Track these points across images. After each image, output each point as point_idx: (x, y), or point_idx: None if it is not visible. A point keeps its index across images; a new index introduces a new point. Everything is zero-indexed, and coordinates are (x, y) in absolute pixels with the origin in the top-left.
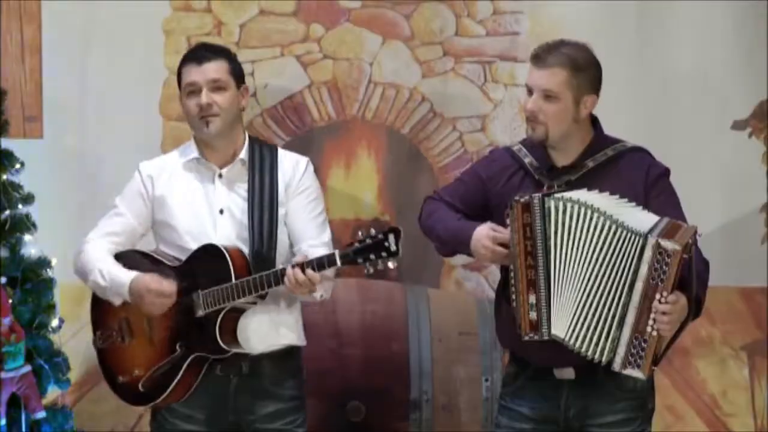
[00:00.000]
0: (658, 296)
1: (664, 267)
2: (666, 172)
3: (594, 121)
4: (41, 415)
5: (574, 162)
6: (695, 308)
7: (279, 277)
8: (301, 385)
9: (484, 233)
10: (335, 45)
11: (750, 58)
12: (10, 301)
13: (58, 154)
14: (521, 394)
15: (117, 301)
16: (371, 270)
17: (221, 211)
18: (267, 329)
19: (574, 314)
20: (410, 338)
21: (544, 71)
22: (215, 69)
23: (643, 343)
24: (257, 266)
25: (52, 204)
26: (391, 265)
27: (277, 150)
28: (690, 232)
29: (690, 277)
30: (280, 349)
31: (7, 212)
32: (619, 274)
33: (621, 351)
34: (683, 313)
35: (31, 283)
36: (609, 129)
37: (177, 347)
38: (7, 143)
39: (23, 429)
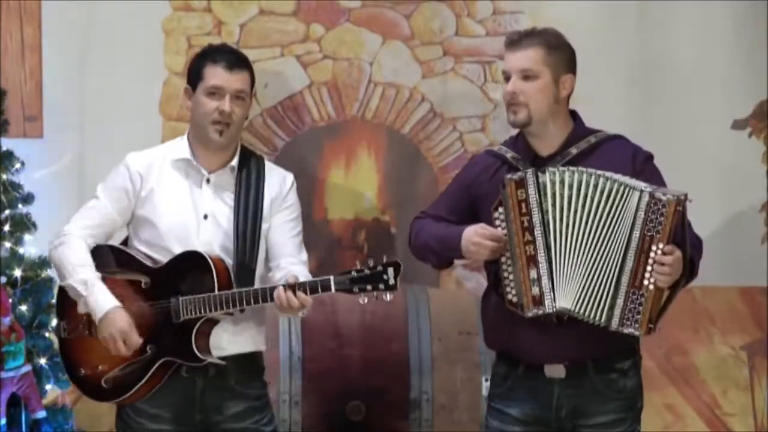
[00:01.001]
0: (654, 247)
1: (659, 218)
2: (651, 156)
3: (573, 114)
4: (41, 414)
5: (557, 150)
6: (689, 270)
7: (268, 295)
8: (265, 385)
9: (473, 231)
10: (335, 45)
11: (750, 58)
12: (10, 300)
13: (58, 154)
14: (511, 395)
15: (82, 310)
16: (365, 300)
17: (205, 216)
18: (239, 338)
19: (579, 283)
20: (410, 338)
21: (520, 53)
22: (242, 79)
23: (640, 298)
24: (239, 278)
25: (52, 204)
26: (387, 297)
27: (264, 162)
28: (680, 192)
29: (683, 235)
30: (245, 352)
31: (7, 212)
32: (617, 231)
33: (618, 307)
34: (680, 267)
35: (31, 283)
36: (609, 128)
37: (147, 348)
38: (7, 143)
39: (23, 429)
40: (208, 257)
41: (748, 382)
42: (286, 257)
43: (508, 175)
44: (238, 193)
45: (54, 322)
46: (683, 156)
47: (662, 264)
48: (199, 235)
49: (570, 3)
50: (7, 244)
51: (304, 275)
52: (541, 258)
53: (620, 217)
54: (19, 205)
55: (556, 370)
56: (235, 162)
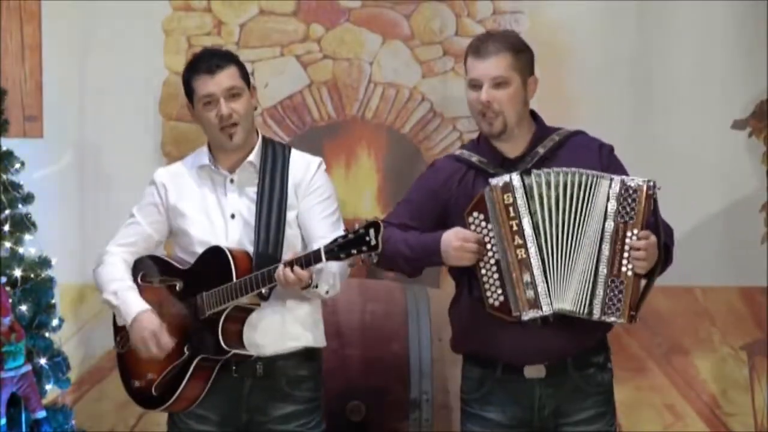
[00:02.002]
0: (629, 234)
1: (632, 203)
2: (612, 148)
3: (533, 113)
4: (41, 414)
5: (524, 151)
6: (664, 255)
7: (272, 275)
8: (318, 387)
9: (452, 235)
10: (335, 45)
11: (750, 58)
12: (10, 300)
13: (58, 154)
14: (490, 399)
15: (120, 322)
16: (354, 265)
17: (232, 216)
18: (278, 331)
19: (572, 281)
20: (410, 338)
21: (489, 60)
22: (229, 76)
23: (620, 285)
24: (261, 267)
25: (52, 204)
26: (372, 259)
27: (290, 151)
28: (649, 179)
29: (656, 222)
30: (296, 350)
31: (7, 212)
32: (594, 221)
33: (598, 296)
34: (655, 253)
35: (31, 283)
36: (608, 128)
37: (185, 350)
38: (7, 143)
39: (23, 428)
40: (225, 249)
41: (748, 382)
42: (319, 239)
43: (493, 181)
44: (260, 187)
45: (54, 322)
46: (683, 156)
47: (638, 249)
48: (228, 235)
49: (570, 3)
50: (7, 244)
51: None
52: (534, 261)
53: (594, 207)
54: (19, 205)
55: (536, 371)
56: (252, 157)
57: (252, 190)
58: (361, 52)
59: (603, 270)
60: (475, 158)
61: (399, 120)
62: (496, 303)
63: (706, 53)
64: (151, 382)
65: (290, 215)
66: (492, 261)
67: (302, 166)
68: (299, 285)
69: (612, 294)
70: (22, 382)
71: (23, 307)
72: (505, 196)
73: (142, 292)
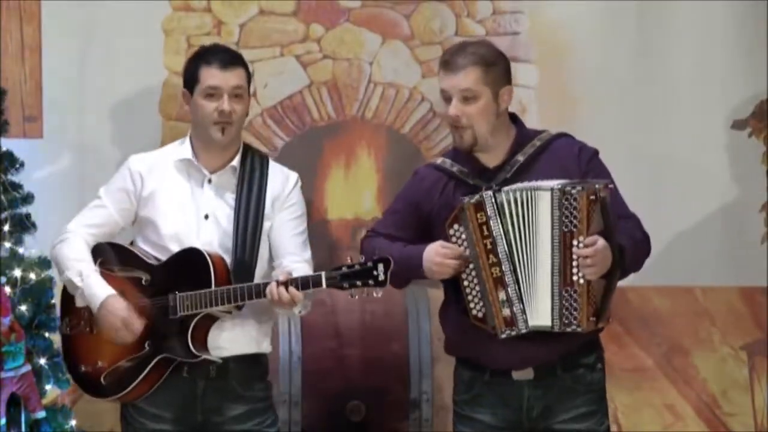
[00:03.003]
0: (575, 242)
1: (573, 212)
2: (596, 152)
3: (513, 117)
4: (41, 414)
5: (504, 160)
6: (619, 259)
7: (261, 291)
8: (268, 387)
9: (433, 251)
10: (335, 45)
11: (750, 58)
12: (10, 300)
13: (58, 154)
14: (479, 401)
15: (80, 304)
16: (355, 296)
17: (206, 216)
18: (237, 336)
19: (544, 298)
20: (410, 338)
21: (458, 74)
22: (238, 76)
23: (574, 294)
24: (238, 276)
25: (52, 204)
26: (376, 294)
27: (268, 161)
28: (597, 181)
29: (608, 224)
30: (248, 354)
31: (7, 212)
32: (547, 235)
33: (556, 308)
34: (606, 256)
35: (31, 283)
36: (608, 129)
37: (145, 345)
38: (7, 143)
39: (23, 428)
40: (206, 254)
41: (748, 382)
42: (289, 256)
43: (466, 198)
44: (239, 193)
45: (54, 322)
46: (683, 156)
47: (585, 257)
48: (199, 235)
49: (570, 3)
50: (7, 244)
51: (303, 273)
52: (509, 279)
53: (543, 220)
54: (19, 206)
55: (524, 374)
56: (236, 162)
57: (230, 196)
58: (361, 52)
59: (556, 281)
60: (455, 168)
61: (399, 120)
62: (479, 314)
63: (706, 53)
64: (100, 370)
65: (266, 225)
66: (473, 273)
67: (281, 179)
68: (289, 306)
69: (567, 304)
70: (21, 382)
71: (23, 307)
72: (479, 215)
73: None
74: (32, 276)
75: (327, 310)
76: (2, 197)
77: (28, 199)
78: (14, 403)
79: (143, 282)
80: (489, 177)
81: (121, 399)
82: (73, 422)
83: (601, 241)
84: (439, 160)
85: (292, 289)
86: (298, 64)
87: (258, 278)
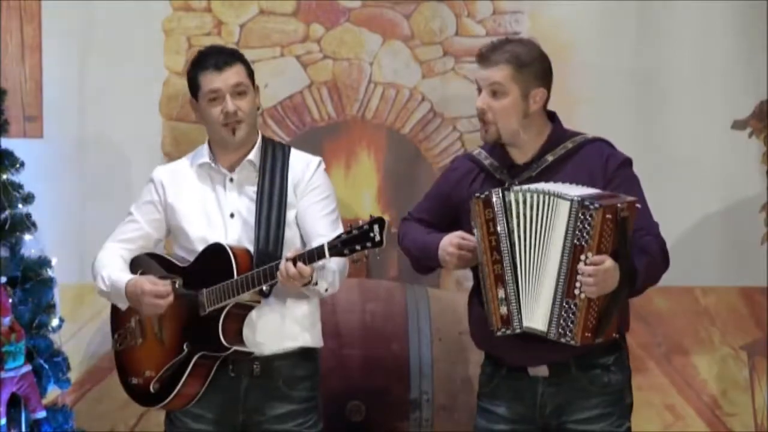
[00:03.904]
0: (583, 256)
1: (587, 227)
2: (626, 161)
3: (552, 116)
4: (41, 414)
5: (533, 157)
6: (629, 278)
7: (274, 272)
8: (315, 386)
9: (448, 241)
10: (335, 45)
11: (750, 58)
12: (10, 300)
13: (58, 153)
14: (497, 394)
15: (122, 306)
16: (358, 261)
17: (231, 215)
18: (277, 330)
19: (544, 302)
20: (410, 338)
21: (489, 69)
22: (236, 73)
23: (573, 308)
24: (263, 265)
25: (52, 204)
26: (377, 256)
27: (290, 150)
28: (623, 200)
29: (624, 244)
30: (294, 350)
31: (7, 212)
32: (559, 243)
33: (555, 316)
34: (610, 278)
35: (31, 282)
36: (608, 129)
37: (184, 347)
38: (7, 143)
39: (23, 428)
40: (227, 247)
41: (748, 382)
42: (318, 237)
43: (476, 194)
44: (260, 186)
45: (54, 322)
46: (683, 156)
47: (588, 275)
48: (227, 234)
49: (570, 3)
50: (7, 245)
51: None
52: (508, 278)
53: (557, 228)
54: (19, 205)
55: (539, 370)
56: (252, 156)
57: (251, 189)
58: (361, 53)
59: (560, 291)
60: (487, 161)
61: (399, 120)
62: (486, 310)
63: (706, 53)
64: (149, 380)
65: (290, 215)
66: (481, 269)
67: (302, 165)
68: (300, 281)
69: (566, 315)
70: (22, 382)
71: (23, 307)
72: (487, 211)
73: None
74: (32, 276)
75: (327, 310)
76: (2, 197)
77: (28, 199)
78: (14, 403)
79: (177, 285)
80: (515, 173)
81: (173, 404)
82: (73, 422)
83: (608, 262)
84: (475, 151)
85: (299, 264)
86: (299, 65)
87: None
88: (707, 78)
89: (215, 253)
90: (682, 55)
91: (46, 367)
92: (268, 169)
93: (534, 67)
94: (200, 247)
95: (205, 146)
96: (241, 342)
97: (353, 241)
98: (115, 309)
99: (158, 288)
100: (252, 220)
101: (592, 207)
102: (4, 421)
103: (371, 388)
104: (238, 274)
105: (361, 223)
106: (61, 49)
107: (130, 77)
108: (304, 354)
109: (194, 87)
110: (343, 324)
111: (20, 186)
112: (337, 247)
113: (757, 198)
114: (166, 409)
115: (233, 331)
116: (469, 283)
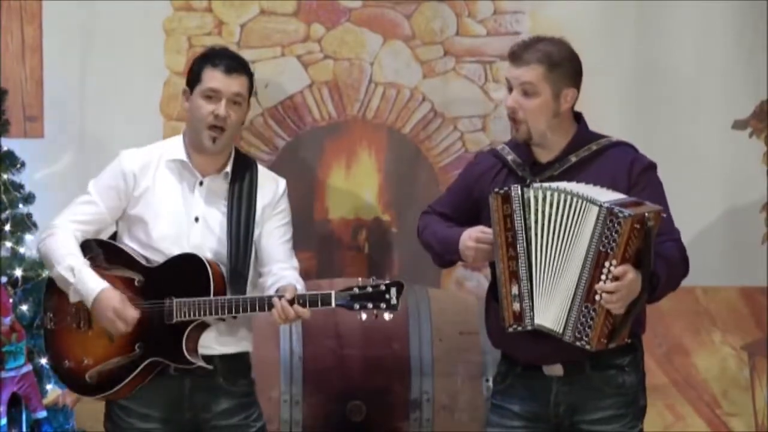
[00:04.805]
0: (607, 263)
1: (614, 234)
2: (650, 165)
3: (578, 117)
4: (42, 414)
5: (557, 157)
6: (649, 286)
7: (266, 305)
8: (251, 383)
9: (468, 235)
10: (336, 45)
11: (750, 58)
12: (11, 300)
13: (58, 154)
14: (511, 392)
15: (74, 299)
16: (364, 317)
17: (196, 219)
18: (227, 339)
19: (559, 302)
20: (410, 338)
21: (522, 68)
22: (240, 84)
23: (592, 313)
24: (233, 284)
25: (52, 204)
26: (386, 317)
27: (257, 168)
28: (650, 209)
29: (647, 253)
30: (232, 353)
31: (8, 212)
32: (582, 247)
33: (572, 319)
34: (632, 289)
35: (32, 282)
36: (609, 129)
37: (135, 347)
38: (8, 143)
39: (24, 428)
40: (205, 261)
41: (748, 382)
42: (278, 263)
43: (496, 189)
44: (231, 200)
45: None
46: (684, 156)
47: (611, 293)
48: (189, 237)
49: (570, 3)
50: (8, 244)
51: (296, 280)
52: (523, 274)
53: (582, 232)
54: (20, 205)
55: (554, 369)
56: (229, 168)
57: (221, 202)
58: (362, 52)
59: (579, 294)
60: (510, 157)
61: (400, 120)
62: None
63: (706, 53)
64: (85, 368)
65: (256, 233)
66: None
67: (272, 185)
68: (294, 321)
69: (584, 320)
70: (22, 382)
71: (24, 307)
72: (505, 207)
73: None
74: (33, 276)
75: (327, 310)
76: (3, 197)
77: (28, 199)
78: (15, 403)
79: (136, 283)
80: (537, 171)
81: (105, 398)
82: (73, 422)
83: (630, 274)
84: (499, 147)
85: (297, 306)
86: (299, 64)
87: (248, 286)
88: (707, 78)
89: (191, 264)
90: (682, 55)
91: (47, 367)
92: (238, 184)
93: (565, 67)
94: (158, 244)
95: (180, 142)
96: (197, 354)
97: (365, 298)
98: (52, 286)
99: (126, 313)
100: (219, 230)
101: (621, 215)
102: (4, 421)
103: (371, 388)
104: (214, 293)
105: (374, 280)
106: (61, 49)
107: (130, 77)
108: (240, 355)
109: (195, 78)
110: (343, 324)
111: (20, 186)
112: (346, 300)
113: (757, 198)
114: (100, 401)
115: (193, 345)
116: (470, 283)
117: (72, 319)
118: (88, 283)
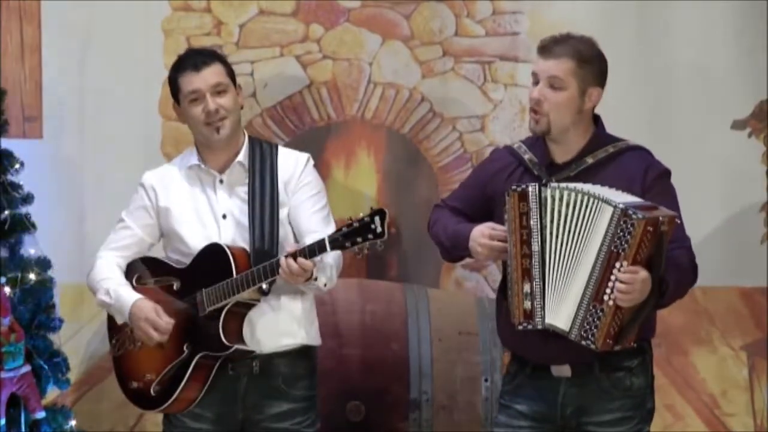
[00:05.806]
0: (618, 264)
1: (627, 236)
2: (665, 172)
3: (596, 119)
4: (41, 415)
5: (573, 158)
6: (658, 291)
7: (275, 268)
8: (313, 385)
9: (479, 231)
10: (335, 45)
11: (750, 58)
12: (10, 301)
13: (57, 154)
14: (519, 392)
15: (120, 320)
16: (359, 254)
17: (224, 216)
18: (276, 328)
19: (569, 302)
20: (410, 338)
21: (551, 61)
22: (214, 73)
23: (599, 313)
24: (259, 264)
25: (52, 204)
26: (379, 246)
27: (277, 149)
28: (665, 214)
29: (659, 257)
30: (293, 348)
31: (7, 212)
32: (595, 247)
33: (579, 318)
34: (643, 289)
35: (31, 283)
36: (610, 128)
37: (184, 348)
38: (7, 143)
39: (23, 429)
40: (224, 246)
41: (747, 382)
42: (310, 234)
43: (513, 186)
44: (251, 186)
45: (54, 322)
46: (684, 156)
47: (622, 282)
48: (221, 235)
49: (570, 3)
50: (7, 244)
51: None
52: (536, 273)
53: (595, 232)
54: (19, 206)
55: (562, 370)
56: (242, 157)
57: (242, 190)
58: (361, 53)
59: (588, 293)
60: (527, 155)
61: (399, 120)
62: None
63: (706, 53)
64: (149, 383)
65: (282, 213)
66: (510, 261)
67: (291, 162)
68: (303, 276)
69: (591, 319)
70: (21, 383)
71: (23, 308)
72: (521, 204)
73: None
74: (32, 276)
75: (327, 310)
76: (2, 197)
77: (28, 199)
78: (14, 404)
79: (175, 288)
80: (553, 171)
81: (173, 407)
82: (72, 422)
83: (642, 272)
84: (515, 144)
85: (300, 259)
86: (298, 65)
87: None
88: (707, 78)
89: (213, 253)
90: (682, 55)
91: (46, 367)
92: (257, 169)
93: (594, 65)
94: (195, 250)
95: (193, 149)
96: (242, 341)
97: (355, 233)
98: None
99: (158, 322)
100: (244, 220)
101: (635, 217)
102: (3, 421)
103: (371, 388)
104: (236, 274)
105: (362, 215)
106: (61, 49)
107: (130, 77)
108: (303, 352)
109: (175, 90)
110: (343, 324)
111: (20, 186)
112: (339, 240)
113: (757, 198)
114: (166, 412)
115: (233, 330)
116: (470, 283)
117: (129, 341)
118: (123, 299)
